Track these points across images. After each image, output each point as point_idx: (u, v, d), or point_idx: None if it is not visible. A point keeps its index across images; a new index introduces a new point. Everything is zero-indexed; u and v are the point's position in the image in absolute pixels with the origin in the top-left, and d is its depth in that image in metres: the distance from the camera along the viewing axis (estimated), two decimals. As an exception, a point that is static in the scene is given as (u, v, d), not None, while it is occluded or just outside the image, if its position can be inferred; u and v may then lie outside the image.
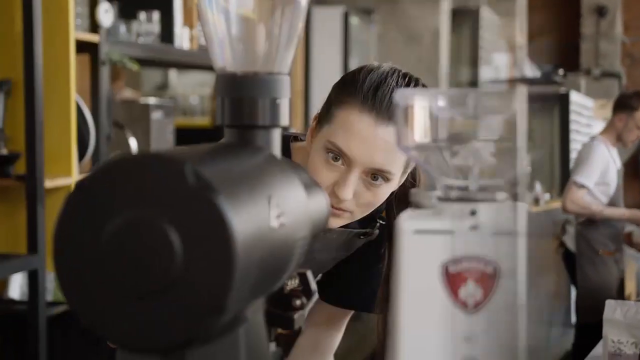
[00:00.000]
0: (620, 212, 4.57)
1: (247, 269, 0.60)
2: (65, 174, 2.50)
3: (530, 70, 6.27)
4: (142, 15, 3.10)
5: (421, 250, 0.66)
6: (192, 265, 0.58)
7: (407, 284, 0.66)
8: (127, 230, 0.59)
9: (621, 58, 9.05)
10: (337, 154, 1.24)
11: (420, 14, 5.61)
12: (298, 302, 0.83)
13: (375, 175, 1.24)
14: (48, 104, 2.44)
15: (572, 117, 7.00)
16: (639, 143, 4.81)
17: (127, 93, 4.45)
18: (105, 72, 2.76)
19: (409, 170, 1.32)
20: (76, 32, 2.60)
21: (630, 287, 4.70)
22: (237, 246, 0.58)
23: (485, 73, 6.55)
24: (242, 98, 0.75)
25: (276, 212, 0.67)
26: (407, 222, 0.67)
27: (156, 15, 3.14)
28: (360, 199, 1.26)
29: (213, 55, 0.77)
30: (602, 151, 4.45)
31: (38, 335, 2.38)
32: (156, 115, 3.12)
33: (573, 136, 7.05)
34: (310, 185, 0.83)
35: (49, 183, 2.41)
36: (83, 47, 2.69)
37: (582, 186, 4.36)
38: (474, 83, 7.34)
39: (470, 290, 0.65)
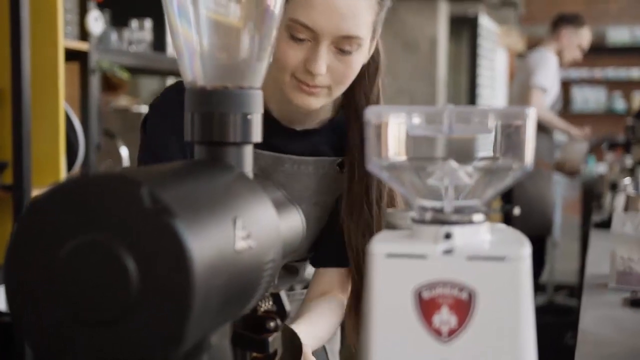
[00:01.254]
0: (571, 126, 4.60)
1: (208, 295, 0.57)
2: (54, 184, 2.47)
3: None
4: (134, 23, 3.07)
5: (393, 275, 0.63)
6: (149, 293, 0.55)
7: (379, 310, 0.63)
8: (80, 254, 0.56)
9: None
10: (300, 32, 1.21)
11: (418, 23, 5.58)
12: (272, 324, 0.80)
13: (344, 46, 1.22)
14: (36, 112, 2.41)
15: (479, 41, 7.00)
16: None
17: (123, 101, 4.42)
18: (95, 81, 2.73)
19: (377, 37, 1.31)
20: (66, 40, 2.57)
21: None
22: (196, 272, 0.55)
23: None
24: (212, 113, 0.72)
25: (242, 234, 0.64)
26: (379, 245, 0.64)
27: (148, 23, 3.11)
28: (334, 73, 1.24)
29: (182, 69, 0.74)
30: (554, 59, 4.44)
31: (24, 347, 2.35)
32: (149, 124, 3.09)
33: (478, 61, 7.06)
34: (284, 203, 0.80)
35: (36, 193, 2.38)
36: (73, 55, 2.66)
37: (542, 89, 4.34)
38: (472, 90, 7.32)
39: (444, 317, 0.62)
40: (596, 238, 2.55)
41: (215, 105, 0.72)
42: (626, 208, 2.44)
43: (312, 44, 1.22)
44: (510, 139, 0.64)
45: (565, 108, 9.23)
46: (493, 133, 0.65)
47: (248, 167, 0.74)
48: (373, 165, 0.65)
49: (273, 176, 1.35)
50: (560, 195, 5.61)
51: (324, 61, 1.21)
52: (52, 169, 2.47)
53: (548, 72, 4.36)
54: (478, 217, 0.65)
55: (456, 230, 0.63)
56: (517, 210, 0.66)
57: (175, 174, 0.64)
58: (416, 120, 0.65)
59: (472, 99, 7.29)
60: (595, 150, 7.73)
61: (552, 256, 5.33)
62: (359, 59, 1.26)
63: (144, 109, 3.29)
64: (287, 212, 0.79)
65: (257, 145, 1.29)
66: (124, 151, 2.94)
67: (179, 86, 1.31)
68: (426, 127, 0.65)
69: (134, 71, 3.27)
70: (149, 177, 0.59)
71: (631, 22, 9.33)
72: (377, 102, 1.36)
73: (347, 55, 1.23)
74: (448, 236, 0.63)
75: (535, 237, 4.36)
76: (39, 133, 2.43)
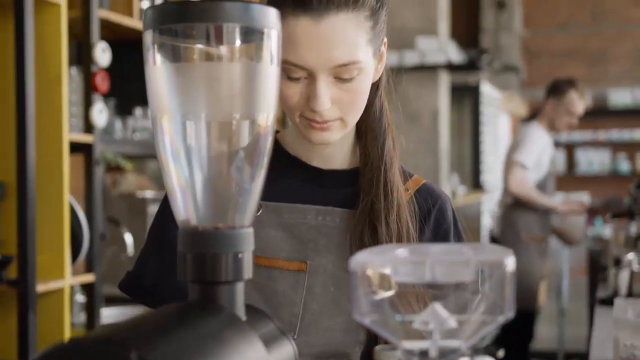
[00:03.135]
0: (556, 202, 4.58)
1: None
2: (58, 277, 2.48)
3: (455, 54, 6.00)
4: (138, 110, 3.13)
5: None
6: None
7: None
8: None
9: (520, 52, 9.12)
10: (294, 72, 1.15)
11: (419, 94, 5.64)
12: None
13: (343, 75, 1.16)
14: (41, 206, 2.44)
15: (481, 108, 7.06)
16: None
17: (131, 177, 4.46)
18: (99, 172, 2.77)
19: (382, 50, 1.25)
20: (71, 132, 2.61)
21: (542, 294, 4.63)
22: None
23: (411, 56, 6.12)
24: (204, 254, 0.74)
25: (232, 384, 0.65)
26: (365, 393, 0.65)
27: (152, 110, 3.16)
28: (341, 103, 1.17)
29: (175, 207, 0.76)
30: (540, 133, 4.51)
31: None
32: (153, 209, 3.12)
33: (481, 128, 7.12)
34: (275, 336, 0.81)
35: (41, 287, 2.39)
36: (77, 146, 2.70)
37: (523, 166, 4.37)
38: (475, 157, 7.36)
39: None
40: (601, 317, 2.55)
41: (208, 246, 0.74)
42: (631, 284, 2.44)
43: (310, 80, 1.16)
44: (492, 285, 0.66)
45: (569, 171, 9.29)
46: (476, 280, 0.66)
47: (239, 304, 0.76)
48: (357, 313, 0.67)
49: (296, 231, 1.27)
50: (567, 261, 5.60)
51: (325, 96, 1.15)
52: (56, 262, 2.49)
53: (533, 148, 4.43)
54: (463, 360, 0.66)
55: (442, 376, 0.64)
56: (501, 353, 0.67)
57: (164, 327, 0.66)
58: (401, 268, 0.66)
59: (475, 166, 7.33)
60: (602, 213, 7.72)
61: (561, 324, 5.30)
62: (364, 81, 1.19)
63: (149, 193, 3.32)
64: (278, 345, 0.80)
65: (279, 198, 1.27)
66: (128, 238, 2.96)
67: None
68: (411, 274, 0.67)
69: (139, 157, 3.31)
70: (137, 336, 0.60)
71: (632, 84, 9.43)
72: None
73: (349, 82, 1.17)
74: (433, 383, 0.64)
75: (523, 311, 4.32)
76: (43, 226, 2.45)
